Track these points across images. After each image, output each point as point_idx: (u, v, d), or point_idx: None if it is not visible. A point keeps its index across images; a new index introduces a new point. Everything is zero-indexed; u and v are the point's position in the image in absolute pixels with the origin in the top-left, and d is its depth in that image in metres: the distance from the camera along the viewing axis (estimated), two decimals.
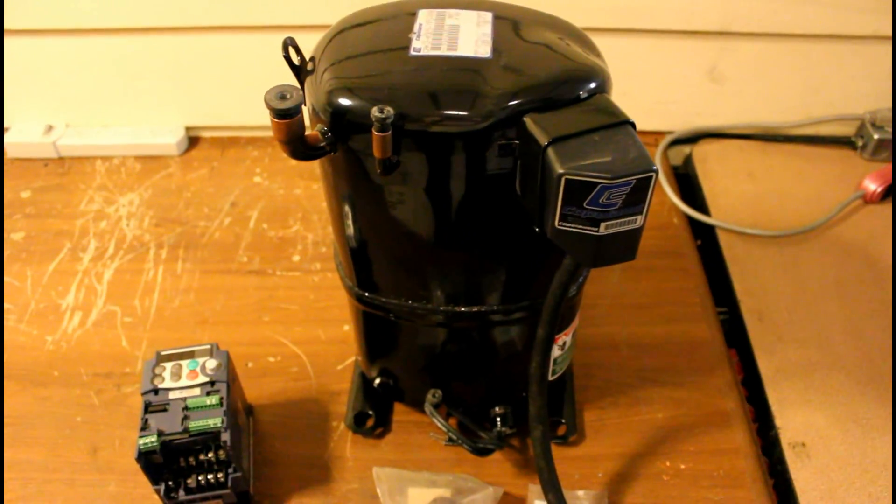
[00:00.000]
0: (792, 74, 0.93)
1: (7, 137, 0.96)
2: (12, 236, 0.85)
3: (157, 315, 0.77)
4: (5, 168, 0.95)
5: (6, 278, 0.81)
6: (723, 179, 0.91)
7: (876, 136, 0.91)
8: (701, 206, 0.89)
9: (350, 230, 0.52)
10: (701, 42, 0.90)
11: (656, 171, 0.41)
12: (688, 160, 0.97)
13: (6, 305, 0.78)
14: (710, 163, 0.93)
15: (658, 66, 0.93)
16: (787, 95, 0.96)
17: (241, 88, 0.94)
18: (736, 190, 0.90)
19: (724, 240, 0.83)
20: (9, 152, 0.96)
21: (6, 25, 0.88)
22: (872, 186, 0.87)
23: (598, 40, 0.88)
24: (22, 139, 0.96)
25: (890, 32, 0.87)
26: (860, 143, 0.94)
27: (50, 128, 0.97)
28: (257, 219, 0.87)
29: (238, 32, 0.88)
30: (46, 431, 0.67)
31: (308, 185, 0.91)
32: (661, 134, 0.97)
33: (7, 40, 0.90)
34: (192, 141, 0.99)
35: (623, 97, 0.97)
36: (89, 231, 0.86)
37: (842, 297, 0.77)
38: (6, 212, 0.89)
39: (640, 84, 0.95)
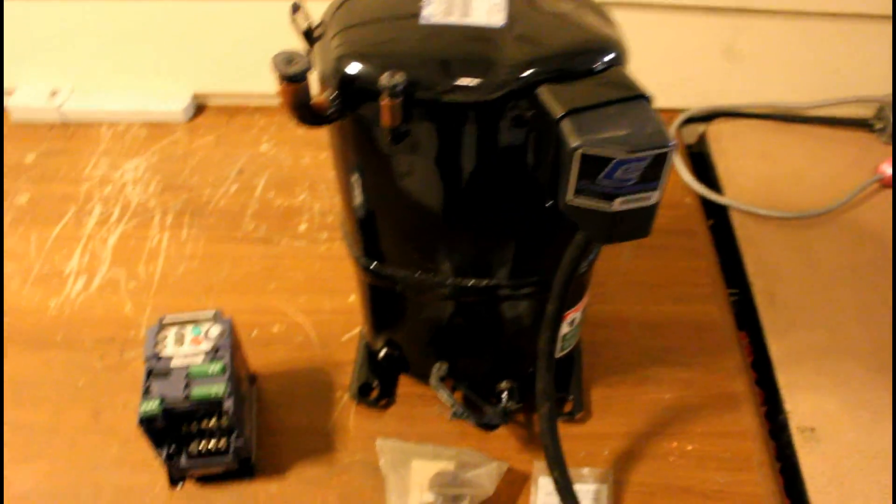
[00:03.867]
0: (810, 54, 0.91)
1: (11, 101, 0.95)
2: (16, 199, 0.85)
3: (161, 281, 0.76)
4: (9, 132, 0.94)
5: (9, 241, 0.80)
6: (737, 159, 0.89)
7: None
8: (714, 185, 0.87)
9: (357, 200, 0.51)
10: (718, 18, 0.88)
11: (673, 147, 0.40)
12: (702, 139, 0.95)
13: (9, 269, 0.77)
14: (725, 142, 0.92)
15: (674, 43, 0.91)
16: (804, 75, 0.94)
17: (249, 55, 0.92)
18: (750, 170, 0.88)
19: (737, 220, 0.82)
20: (13, 116, 0.95)
21: None
22: (890, 170, 0.85)
23: (614, 15, 0.87)
24: (26, 103, 0.95)
25: None
26: (879, 126, 0.92)
27: (55, 91, 0.96)
28: (264, 187, 0.86)
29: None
30: (49, 394, 0.67)
31: (316, 154, 0.90)
32: (675, 112, 0.95)
33: (14, 1, 0.88)
34: (199, 108, 0.97)
35: (637, 74, 0.96)
36: (94, 196, 0.85)
37: (855, 282, 0.75)
38: (10, 175, 0.88)
39: (656, 60, 0.92)
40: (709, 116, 0.96)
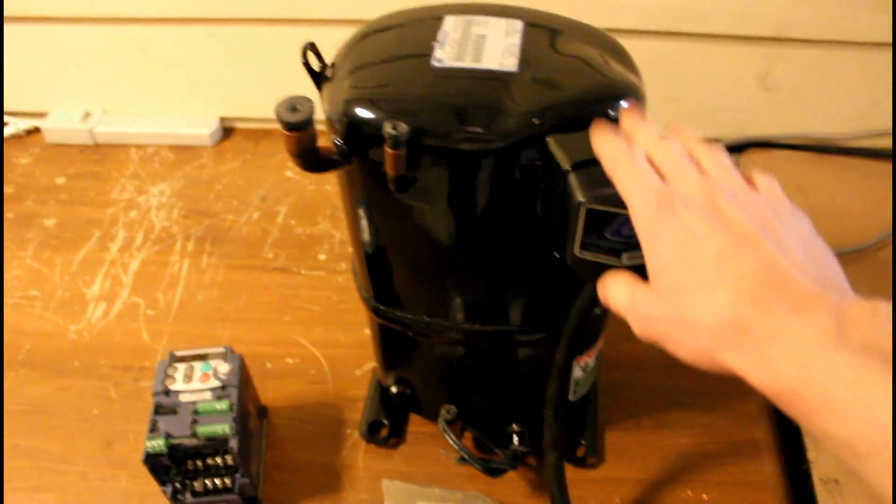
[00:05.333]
0: (849, 84, 0.89)
1: (45, 123, 0.97)
2: (45, 222, 0.86)
3: (179, 309, 0.76)
4: (42, 154, 0.96)
5: (34, 265, 0.81)
6: None
7: None
8: None
9: (365, 242, 0.51)
10: (754, 47, 0.86)
11: None
12: None
13: (33, 292, 0.78)
14: None
15: (708, 72, 0.89)
16: (843, 105, 0.91)
17: (276, 81, 0.92)
18: None
19: None
20: (47, 137, 0.97)
21: (48, 13, 0.88)
22: None
23: (646, 44, 0.85)
24: (60, 125, 0.96)
25: None
26: None
27: (87, 114, 0.97)
28: (286, 214, 0.86)
29: (276, 25, 0.87)
30: (64, 422, 0.67)
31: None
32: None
33: (48, 27, 0.90)
34: (227, 132, 0.98)
35: (671, 103, 0.95)
36: (119, 220, 0.86)
37: None
38: (40, 197, 0.89)
39: (689, 90, 0.91)
40: (742, 147, 0.94)
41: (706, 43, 0.86)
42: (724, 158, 0.39)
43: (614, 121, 0.42)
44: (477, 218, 0.45)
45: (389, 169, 0.41)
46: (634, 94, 0.43)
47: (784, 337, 0.31)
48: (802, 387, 0.30)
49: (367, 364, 0.70)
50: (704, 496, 0.61)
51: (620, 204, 0.37)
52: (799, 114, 0.92)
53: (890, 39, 0.83)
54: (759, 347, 0.32)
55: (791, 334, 0.31)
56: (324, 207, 0.87)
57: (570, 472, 0.62)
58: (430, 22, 0.47)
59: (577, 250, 0.40)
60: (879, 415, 0.27)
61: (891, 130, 0.91)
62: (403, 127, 0.39)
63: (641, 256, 0.40)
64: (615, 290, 0.39)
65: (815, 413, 0.30)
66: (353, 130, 0.42)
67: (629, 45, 0.48)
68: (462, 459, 0.58)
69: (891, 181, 0.88)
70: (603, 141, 0.38)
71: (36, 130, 0.99)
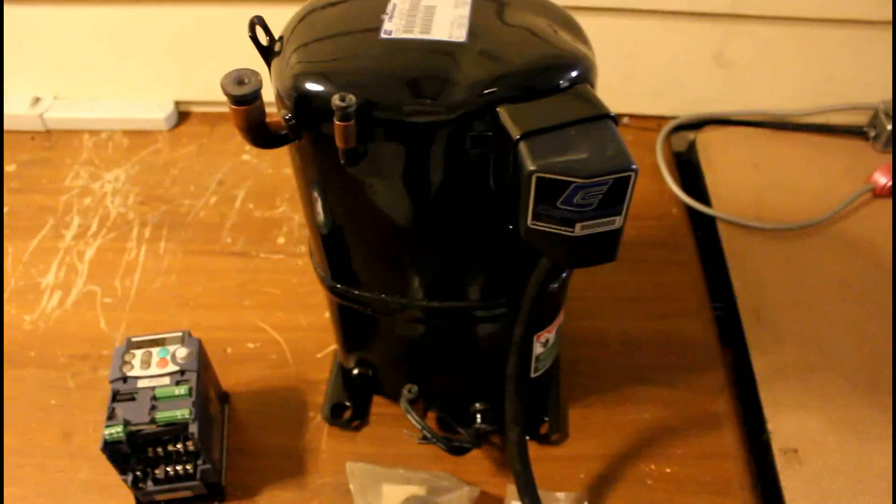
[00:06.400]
0: (803, 60, 0.89)
1: None
2: None
3: (137, 296, 0.75)
4: None
5: None
6: (726, 168, 0.88)
7: (889, 127, 0.87)
8: (703, 195, 0.86)
9: (320, 220, 0.50)
10: (708, 24, 0.87)
11: (635, 171, 0.38)
12: (691, 147, 0.94)
13: None
14: (714, 150, 0.90)
15: (663, 49, 0.90)
16: (797, 82, 0.92)
17: (232, 63, 0.89)
18: (740, 180, 0.86)
19: (724, 232, 0.80)
20: None
21: None
22: (883, 180, 0.83)
23: (603, 21, 0.86)
24: (8, 111, 0.94)
25: None
26: (872, 134, 0.90)
27: (37, 100, 0.95)
28: (244, 198, 0.85)
29: (230, 5, 0.85)
30: (20, 413, 0.66)
31: None
32: (664, 119, 0.93)
33: None
34: (182, 116, 0.96)
35: (628, 81, 0.95)
36: (73, 208, 0.84)
37: (844, 297, 0.74)
38: None
39: (645, 67, 0.92)
40: (699, 124, 0.94)
41: (662, 20, 0.87)
42: None
43: (564, 90, 0.42)
44: (429, 191, 0.45)
45: (339, 142, 0.40)
46: (584, 64, 0.43)
47: None
48: None
49: (328, 347, 0.70)
50: (667, 469, 0.62)
51: (571, 172, 0.37)
52: (754, 91, 0.93)
53: (841, 15, 0.84)
54: None
55: None
56: (283, 190, 0.86)
57: (534, 449, 0.62)
58: None
59: (529, 221, 0.40)
60: None
61: (843, 106, 0.92)
62: (351, 98, 0.38)
63: (595, 226, 0.40)
64: None
65: None
66: (302, 104, 0.42)
67: (586, 22, 0.48)
68: (425, 438, 0.57)
69: (845, 156, 0.89)
70: None
71: None
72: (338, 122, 0.39)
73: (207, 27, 0.89)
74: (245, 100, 0.40)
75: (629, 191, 0.39)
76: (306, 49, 0.44)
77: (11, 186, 0.87)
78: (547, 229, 0.40)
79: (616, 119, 0.40)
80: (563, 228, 0.40)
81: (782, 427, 0.64)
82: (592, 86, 0.43)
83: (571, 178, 0.37)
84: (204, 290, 0.75)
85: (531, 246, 0.42)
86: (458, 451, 0.58)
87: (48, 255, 0.79)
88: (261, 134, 0.42)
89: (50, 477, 0.62)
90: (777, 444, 0.63)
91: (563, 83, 0.42)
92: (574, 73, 0.42)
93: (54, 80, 0.95)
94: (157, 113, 0.94)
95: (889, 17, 0.83)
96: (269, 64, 0.46)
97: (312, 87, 0.42)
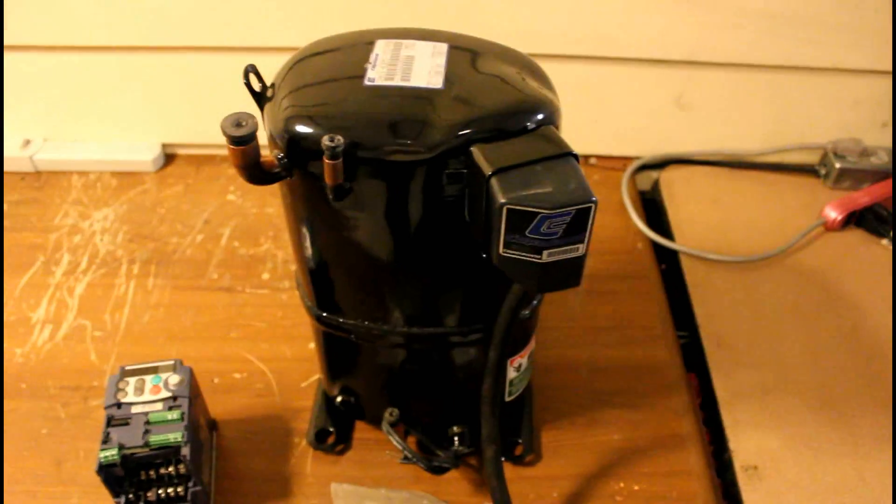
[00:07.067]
0: (758, 103, 0.95)
1: None
2: None
3: (126, 330, 0.78)
4: None
5: None
6: (688, 205, 0.93)
7: (838, 166, 0.93)
8: (667, 230, 0.91)
9: (308, 252, 0.54)
10: (669, 70, 0.92)
11: (595, 202, 0.42)
12: (655, 185, 0.99)
13: None
14: (676, 188, 0.95)
15: (627, 94, 0.95)
16: (753, 124, 0.98)
17: (217, 106, 0.93)
18: (701, 216, 0.92)
19: (686, 265, 0.85)
20: None
21: None
22: (833, 214, 0.89)
23: (569, 68, 0.91)
24: None
25: (849, 66, 0.89)
26: (823, 172, 0.96)
27: (27, 142, 0.98)
28: (229, 236, 0.88)
29: (214, 52, 0.90)
30: (11, 443, 0.67)
31: (280, 203, 0.92)
32: (629, 159, 0.99)
33: None
34: (169, 157, 1.00)
35: (593, 123, 1.00)
36: (63, 245, 0.87)
37: (799, 323, 0.78)
38: None
39: (610, 111, 0.97)
40: (662, 164, 1.00)
41: (626, 67, 0.92)
42: None
43: (531, 131, 0.46)
44: (410, 224, 0.49)
45: (328, 178, 0.44)
46: (549, 108, 0.48)
47: None
48: None
49: (312, 376, 0.73)
50: (635, 487, 0.65)
51: (538, 204, 0.41)
52: (713, 132, 0.99)
53: (792, 63, 0.90)
54: None
55: None
56: (266, 229, 0.89)
57: (509, 470, 0.65)
58: (362, 46, 0.50)
59: (501, 249, 0.44)
60: None
61: (795, 146, 0.98)
62: (340, 139, 0.43)
63: (560, 253, 0.44)
64: None
65: None
66: (294, 145, 0.46)
67: (553, 69, 0.52)
68: (406, 459, 0.61)
69: (798, 192, 0.95)
70: None
71: None
72: (327, 161, 0.43)
73: (193, 73, 0.93)
74: (243, 140, 0.44)
75: (590, 220, 0.43)
76: (296, 94, 0.48)
77: (2, 225, 0.90)
78: (517, 257, 0.44)
79: (577, 157, 0.45)
80: (532, 256, 0.44)
81: (743, 445, 0.68)
82: (557, 127, 0.48)
83: (538, 210, 0.42)
84: (192, 323, 0.78)
85: (503, 273, 0.46)
86: (437, 470, 0.61)
87: (38, 291, 0.82)
88: (256, 172, 0.46)
89: (42, 503, 0.63)
90: (738, 462, 0.67)
91: (530, 125, 0.46)
92: (540, 116, 0.47)
93: (44, 123, 0.99)
94: (145, 154, 0.97)
95: (837, 63, 0.90)
96: (261, 108, 0.50)
97: (303, 129, 0.46)
